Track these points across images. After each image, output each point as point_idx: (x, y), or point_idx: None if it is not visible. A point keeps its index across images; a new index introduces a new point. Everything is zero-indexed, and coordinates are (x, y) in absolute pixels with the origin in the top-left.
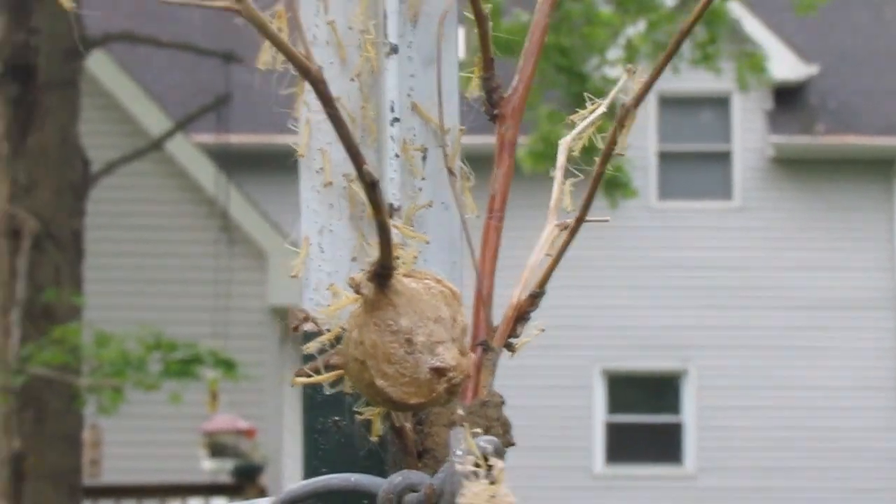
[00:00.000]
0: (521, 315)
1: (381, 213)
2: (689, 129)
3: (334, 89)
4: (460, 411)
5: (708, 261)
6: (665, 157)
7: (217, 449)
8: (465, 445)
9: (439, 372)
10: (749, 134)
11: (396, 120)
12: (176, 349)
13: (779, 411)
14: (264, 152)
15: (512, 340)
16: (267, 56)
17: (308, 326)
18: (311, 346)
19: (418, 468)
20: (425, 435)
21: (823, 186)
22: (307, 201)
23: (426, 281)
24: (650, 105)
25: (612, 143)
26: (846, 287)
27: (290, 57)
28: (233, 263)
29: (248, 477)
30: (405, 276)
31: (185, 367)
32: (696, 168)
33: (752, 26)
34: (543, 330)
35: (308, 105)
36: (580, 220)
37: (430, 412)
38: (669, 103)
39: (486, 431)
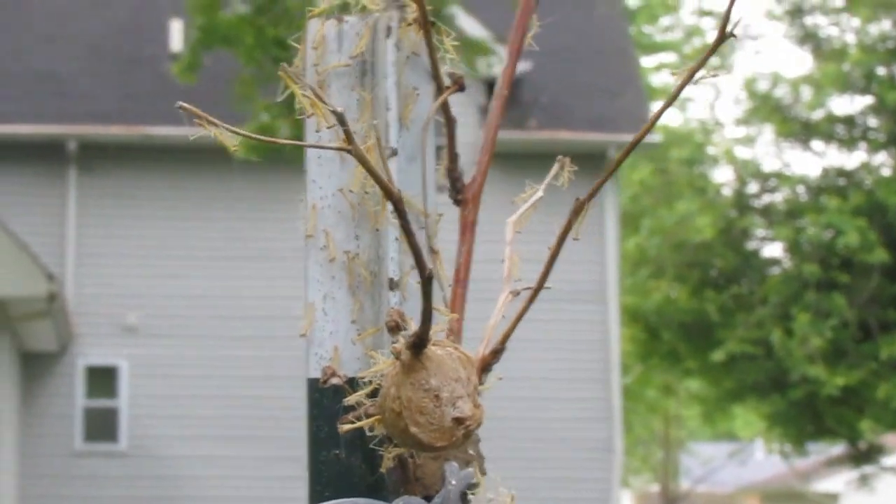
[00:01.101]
0: (484, 367)
1: (429, 301)
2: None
3: (339, 182)
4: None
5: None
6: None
7: None
8: (475, 480)
9: (459, 421)
10: (463, 129)
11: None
12: None
13: (496, 403)
14: None
15: (478, 387)
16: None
17: (335, 381)
18: (352, 399)
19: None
20: (416, 466)
21: (536, 181)
22: (313, 273)
23: (448, 349)
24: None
25: (567, 229)
26: (557, 280)
27: (378, 181)
28: None
29: None
30: (433, 345)
31: None
32: None
33: (468, 23)
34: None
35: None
36: (537, 291)
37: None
38: None
39: (467, 464)
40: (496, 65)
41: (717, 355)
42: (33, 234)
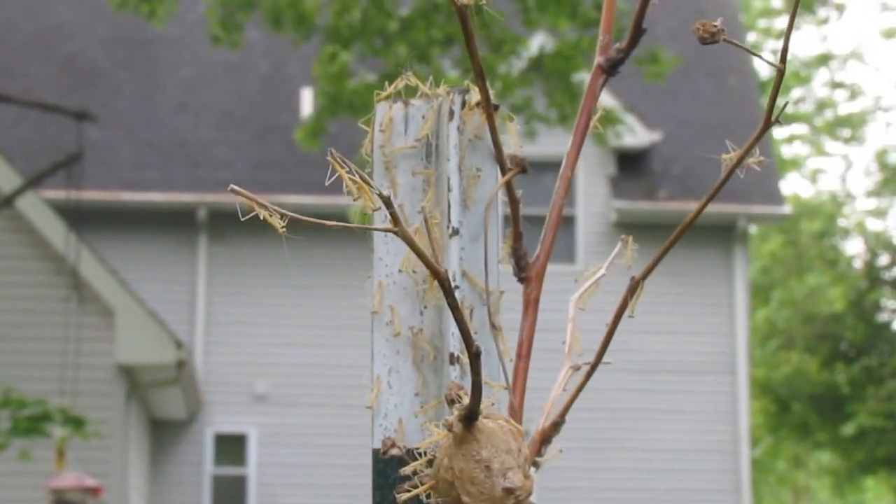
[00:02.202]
0: (545, 439)
1: (478, 375)
2: (533, 194)
3: (398, 261)
4: None
5: (549, 323)
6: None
7: None
8: None
9: (509, 491)
10: (592, 199)
11: (457, 287)
12: (25, 406)
13: (622, 473)
14: (113, 209)
15: (538, 459)
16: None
17: (395, 451)
18: (408, 469)
19: None
20: None
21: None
22: (379, 347)
23: (499, 421)
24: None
25: (623, 308)
26: (686, 351)
27: (427, 264)
28: (81, 321)
29: None
30: (484, 417)
31: (34, 424)
32: (539, 232)
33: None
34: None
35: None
36: (595, 366)
37: None
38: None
39: None
40: (626, 134)
41: (848, 428)
42: (163, 302)
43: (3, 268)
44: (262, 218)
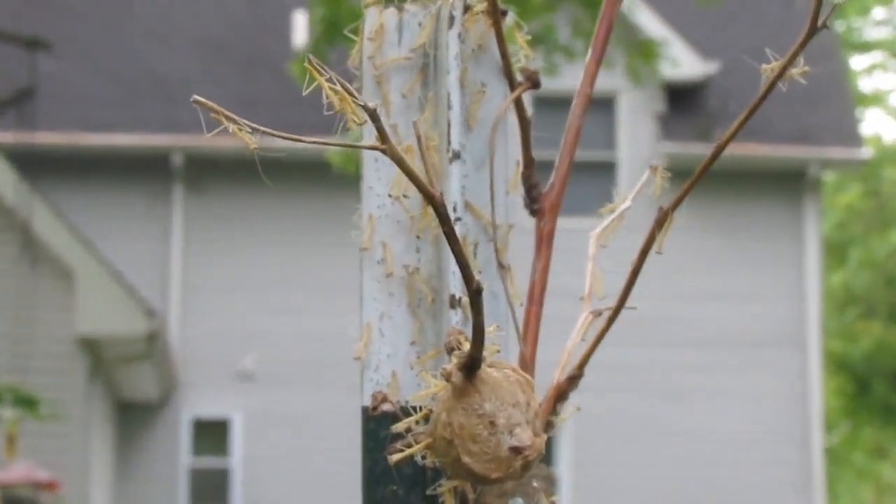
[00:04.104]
0: (560, 395)
1: (480, 314)
2: (555, 140)
3: (400, 189)
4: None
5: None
6: (538, 168)
7: None
8: None
9: (517, 450)
10: (637, 141)
11: (458, 219)
12: None
13: (668, 466)
14: (72, 154)
15: (552, 418)
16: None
17: (386, 407)
18: (400, 426)
19: None
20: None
21: (723, 203)
22: (369, 290)
23: (505, 370)
24: None
25: (650, 242)
26: (746, 321)
27: (418, 186)
28: (35, 285)
29: None
30: (488, 366)
31: None
32: (574, 180)
33: (645, 17)
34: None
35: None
36: (617, 311)
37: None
38: (543, 104)
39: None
40: (675, 65)
41: None
42: (132, 263)
43: None
44: (231, 132)
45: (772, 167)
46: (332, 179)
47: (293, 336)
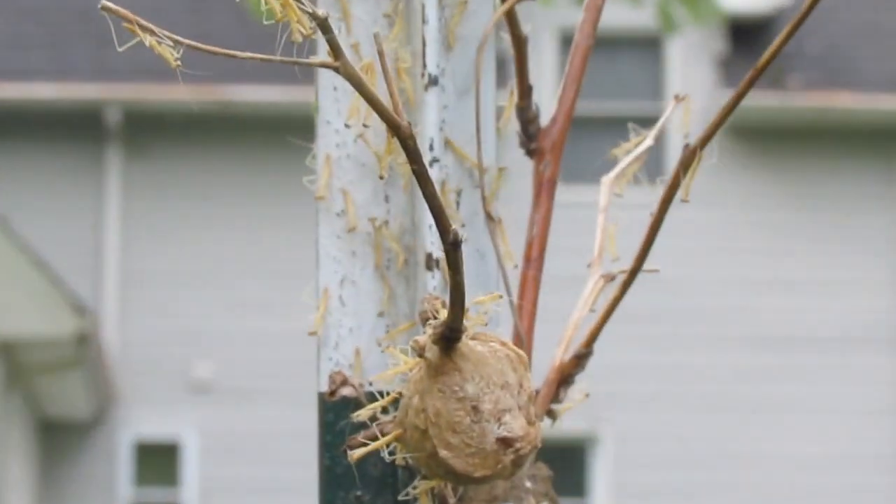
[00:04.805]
0: (564, 378)
1: (459, 273)
2: (606, 84)
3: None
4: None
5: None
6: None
7: None
8: None
9: (506, 442)
10: (692, 88)
11: (436, 160)
12: None
13: (735, 496)
14: None
15: (554, 406)
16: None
17: (347, 391)
18: (363, 413)
19: None
20: None
21: (800, 167)
22: (326, 248)
23: (491, 344)
24: (547, 48)
25: (675, 187)
26: (835, 317)
27: (380, 112)
28: None
29: None
30: (471, 338)
31: None
32: (614, 139)
33: None
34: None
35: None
36: (634, 273)
37: (468, 487)
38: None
39: None
40: None
41: None
42: (57, 246)
43: None
44: (148, 45)
45: (863, 119)
46: (307, 140)
47: (258, 337)
